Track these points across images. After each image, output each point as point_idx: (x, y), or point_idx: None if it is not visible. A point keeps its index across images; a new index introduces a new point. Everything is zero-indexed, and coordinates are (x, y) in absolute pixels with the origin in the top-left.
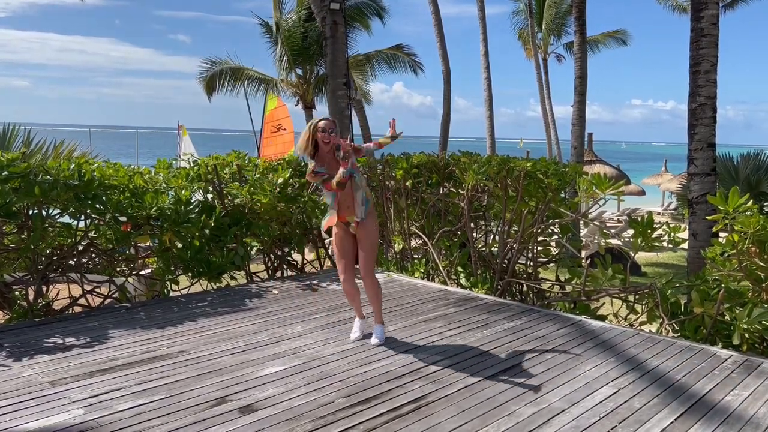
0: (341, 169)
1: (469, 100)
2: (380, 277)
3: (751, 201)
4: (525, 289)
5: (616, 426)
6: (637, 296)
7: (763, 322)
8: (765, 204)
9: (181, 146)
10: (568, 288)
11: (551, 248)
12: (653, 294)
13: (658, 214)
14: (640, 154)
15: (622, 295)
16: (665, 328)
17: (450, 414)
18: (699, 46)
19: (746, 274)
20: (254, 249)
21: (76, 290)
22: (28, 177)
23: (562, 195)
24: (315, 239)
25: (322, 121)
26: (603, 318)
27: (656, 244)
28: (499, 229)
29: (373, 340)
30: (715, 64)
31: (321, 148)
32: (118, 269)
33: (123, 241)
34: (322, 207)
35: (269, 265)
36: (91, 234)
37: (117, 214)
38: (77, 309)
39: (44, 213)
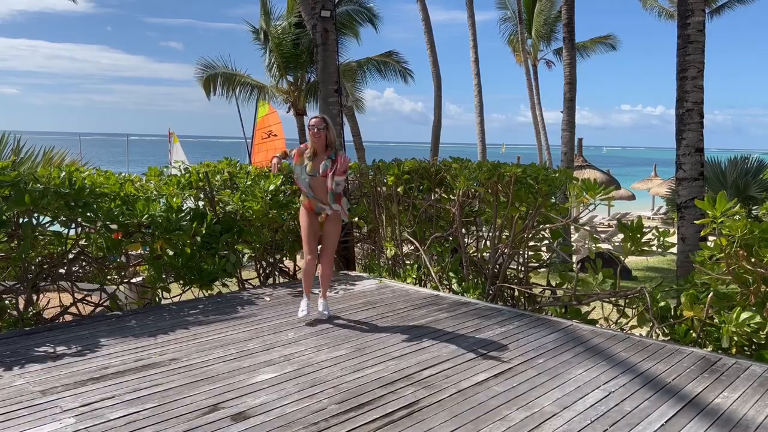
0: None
1: (460, 105)
2: (372, 282)
3: (738, 205)
4: (516, 294)
5: (607, 429)
6: (627, 300)
7: (751, 324)
8: (753, 208)
9: (172, 153)
10: (559, 292)
11: (542, 253)
12: (643, 298)
13: (648, 218)
14: (628, 159)
15: (613, 299)
16: (655, 332)
17: (442, 419)
18: (686, 52)
19: (734, 277)
20: (246, 256)
21: (67, 299)
22: (19, 185)
23: (553, 200)
24: None
25: (313, 119)
26: (594, 322)
27: (646, 248)
28: (491, 234)
29: (321, 308)
30: (702, 69)
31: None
32: (109, 277)
33: (114, 249)
34: None
35: (261, 272)
36: (82, 242)
37: (108, 222)
38: (68, 317)
39: (34, 221)
